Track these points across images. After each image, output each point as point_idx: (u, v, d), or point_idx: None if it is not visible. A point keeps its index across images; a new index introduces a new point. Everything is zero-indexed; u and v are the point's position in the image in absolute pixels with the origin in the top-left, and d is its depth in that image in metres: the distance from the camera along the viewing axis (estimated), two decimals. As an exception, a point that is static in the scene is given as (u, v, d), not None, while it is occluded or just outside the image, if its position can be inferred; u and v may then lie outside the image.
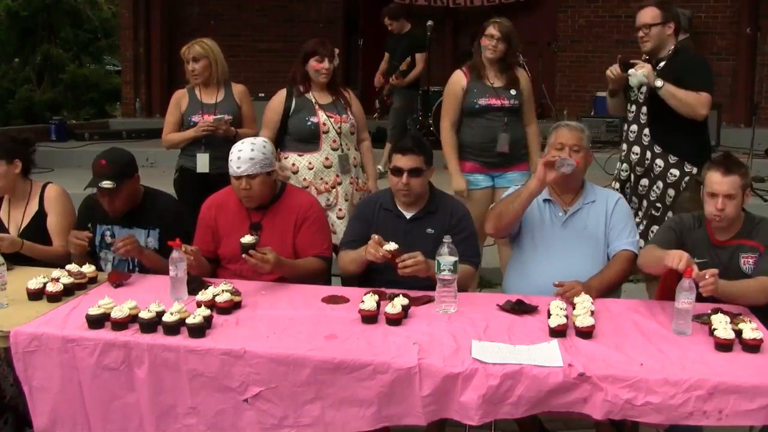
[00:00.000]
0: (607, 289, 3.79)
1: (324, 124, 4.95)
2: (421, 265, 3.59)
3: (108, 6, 21.10)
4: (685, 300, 3.20)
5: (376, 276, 3.86)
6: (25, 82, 18.07)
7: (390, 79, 9.18)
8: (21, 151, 4.56)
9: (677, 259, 3.29)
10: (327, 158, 4.96)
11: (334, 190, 4.97)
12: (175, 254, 3.59)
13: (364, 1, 12.80)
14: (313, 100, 5.06)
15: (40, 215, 4.46)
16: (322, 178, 4.95)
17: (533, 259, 3.96)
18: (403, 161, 3.92)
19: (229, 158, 4.00)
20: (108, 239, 4.28)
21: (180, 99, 5.51)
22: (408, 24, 9.23)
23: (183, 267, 3.62)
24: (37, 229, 4.42)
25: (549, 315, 3.22)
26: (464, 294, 3.75)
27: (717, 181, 3.56)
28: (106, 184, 4.08)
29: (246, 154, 3.96)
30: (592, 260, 3.88)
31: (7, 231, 4.41)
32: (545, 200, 4.01)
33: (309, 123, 4.96)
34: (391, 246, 3.61)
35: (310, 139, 4.98)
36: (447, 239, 3.45)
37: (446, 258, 3.41)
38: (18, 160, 4.49)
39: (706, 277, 3.24)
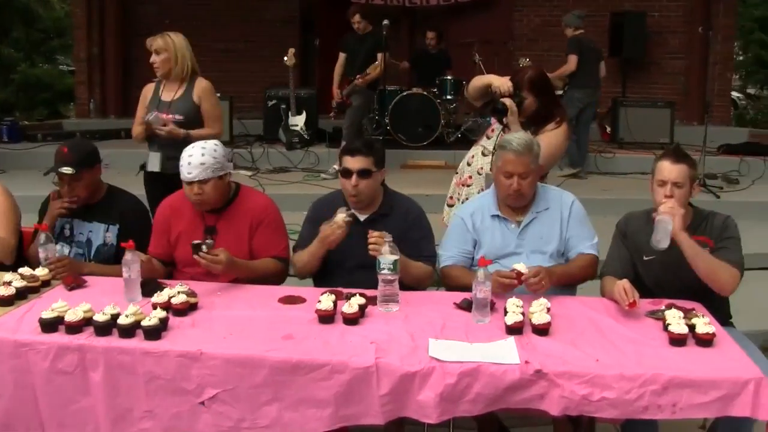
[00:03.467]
0: (568, 280, 3.82)
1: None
2: (378, 245, 3.57)
3: (60, 5, 20.84)
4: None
5: (333, 276, 3.85)
6: (-26, 83, 17.83)
7: (356, 78, 9.13)
8: None
9: (622, 297, 3.37)
10: None
11: None
12: (128, 256, 3.55)
13: (321, 0, 12.77)
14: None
15: None
16: None
17: (502, 263, 3.90)
18: (351, 162, 3.89)
19: (180, 163, 3.94)
20: (66, 232, 4.26)
21: (146, 92, 5.51)
22: (370, 25, 9.23)
23: (136, 268, 3.58)
24: None
25: (506, 313, 3.24)
26: (421, 292, 3.76)
27: (667, 168, 3.61)
28: (66, 169, 4.06)
29: (196, 159, 3.90)
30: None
31: None
32: (493, 216, 3.99)
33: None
34: (341, 217, 3.67)
35: None
36: (387, 238, 3.45)
37: (386, 257, 3.40)
38: None
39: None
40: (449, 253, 4.03)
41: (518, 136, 3.91)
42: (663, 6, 12.36)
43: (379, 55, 8.98)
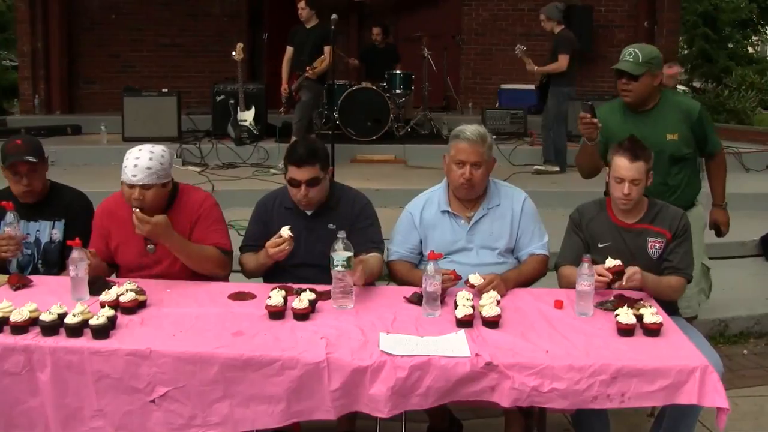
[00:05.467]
0: (522, 284, 3.84)
1: None
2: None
3: (2, -1, 20.52)
4: (584, 282, 3.31)
5: (280, 274, 3.83)
6: None
7: (305, 71, 9.06)
8: None
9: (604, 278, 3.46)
10: None
11: None
12: (75, 254, 3.50)
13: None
14: None
15: None
16: None
17: (453, 259, 3.92)
18: (298, 173, 3.81)
19: (124, 164, 3.82)
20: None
21: None
22: (315, 18, 9.18)
23: (84, 266, 3.53)
24: None
25: (456, 306, 3.25)
26: (372, 287, 3.75)
27: (624, 167, 3.65)
28: (30, 158, 4.00)
29: (143, 162, 3.78)
30: (501, 266, 3.89)
31: None
32: (443, 211, 4.00)
33: None
34: (285, 232, 3.62)
35: None
36: (341, 234, 3.43)
37: (340, 254, 3.39)
38: None
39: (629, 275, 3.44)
40: (395, 248, 4.05)
41: (472, 127, 3.94)
42: (610, 0, 12.50)
43: (326, 48, 8.92)
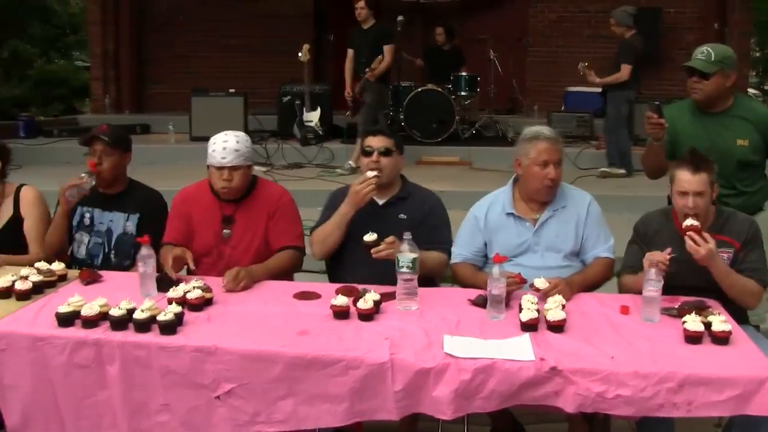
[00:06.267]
0: (587, 288, 3.79)
1: None
2: (395, 245, 3.58)
3: (76, 1, 20.92)
4: (651, 288, 3.26)
5: (347, 261, 3.89)
6: (-9, 79, 17.91)
7: (364, 73, 9.06)
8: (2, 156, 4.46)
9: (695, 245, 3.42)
10: None
11: None
12: (144, 251, 3.58)
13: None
14: None
15: (16, 219, 4.36)
16: None
17: (517, 262, 3.89)
18: (373, 141, 3.97)
19: (211, 149, 3.99)
20: (87, 221, 4.30)
21: None
22: (373, 18, 9.18)
23: (152, 263, 3.61)
24: (12, 233, 4.31)
25: (520, 309, 3.23)
26: (436, 289, 3.76)
27: (686, 179, 3.57)
28: (103, 136, 4.16)
29: (231, 145, 3.97)
30: (566, 269, 3.86)
31: None
32: (508, 214, 3.97)
33: None
34: (372, 237, 3.64)
35: None
36: (407, 236, 3.44)
37: (405, 255, 3.40)
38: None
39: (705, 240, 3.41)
40: (459, 250, 4.04)
41: (545, 127, 3.97)
42: (678, 2, 12.29)
43: (386, 48, 8.92)
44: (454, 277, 4.06)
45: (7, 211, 4.37)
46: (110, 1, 13.19)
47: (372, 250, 3.62)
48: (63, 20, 20.28)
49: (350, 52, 9.44)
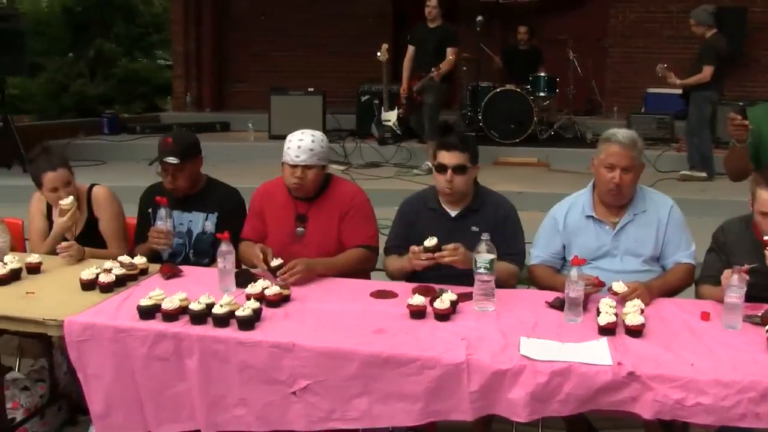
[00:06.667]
0: (667, 293, 3.72)
1: None
2: (458, 255, 3.57)
3: (159, 1, 21.35)
4: (733, 295, 3.18)
5: (424, 271, 3.82)
6: (78, 77, 18.36)
7: (429, 72, 8.97)
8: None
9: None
10: None
11: None
12: (223, 247, 3.63)
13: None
14: None
15: (91, 221, 4.45)
16: None
17: (596, 265, 3.85)
18: (447, 158, 3.89)
19: (286, 147, 4.03)
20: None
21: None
22: (441, 19, 9.11)
23: (231, 259, 3.66)
24: (90, 235, 4.40)
25: (598, 313, 3.19)
26: (513, 290, 3.73)
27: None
28: (171, 159, 4.17)
29: (306, 144, 4.00)
30: (646, 274, 3.79)
31: (63, 237, 4.38)
32: (588, 217, 3.93)
33: None
34: (432, 242, 3.61)
35: None
36: (485, 236, 3.41)
37: (483, 256, 3.38)
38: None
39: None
40: (537, 252, 4.01)
41: (624, 130, 3.88)
42: (765, 1, 11.98)
43: (449, 50, 8.86)
44: (531, 279, 4.03)
45: (83, 215, 4.45)
46: (192, 1, 13.45)
47: (435, 255, 3.60)
48: (146, 20, 20.72)
49: (411, 49, 9.38)
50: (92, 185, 4.54)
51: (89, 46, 18.85)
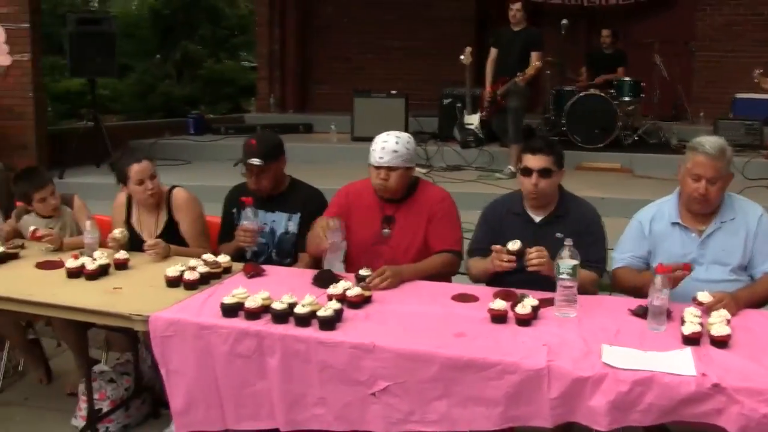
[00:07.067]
0: (755, 304, 3.62)
1: None
2: (544, 260, 3.54)
3: (245, 3, 21.66)
4: None
5: (506, 275, 3.79)
6: (165, 78, 18.74)
7: (514, 76, 8.89)
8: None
9: None
10: None
11: None
12: (332, 223, 3.79)
13: (498, -2, 12.69)
14: None
15: (171, 222, 4.54)
16: None
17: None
18: (533, 161, 3.87)
19: (372, 148, 4.06)
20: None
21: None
22: (525, 20, 9.01)
23: (339, 235, 3.84)
24: (171, 237, 4.48)
25: (683, 322, 3.13)
26: (595, 297, 3.69)
27: None
28: (255, 161, 4.24)
29: (391, 145, 4.02)
30: (733, 283, 3.69)
31: (141, 239, 4.50)
32: (674, 224, 3.85)
33: None
34: (515, 245, 3.59)
35: None
36: (568, 242, 3.39)
37: (566, 261, 3.35)
38: None
39: None
40: (622, 255, 3.95)
41: (712, 139, 3.78)
42: None
43: (534, 54, 8.77)
44: (615, 282, 3.97)
45: (163, 215, 4.57)
46: (277, 4, 13.61)
47: (528, 264, 3.57)
48: (232, 22, 21.05)
49: (494, 51, 9.26)
50: (173, 187, 4.63)
51: (176, 48, 19.22)
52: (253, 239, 4.21)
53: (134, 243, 4.42)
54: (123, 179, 4.46)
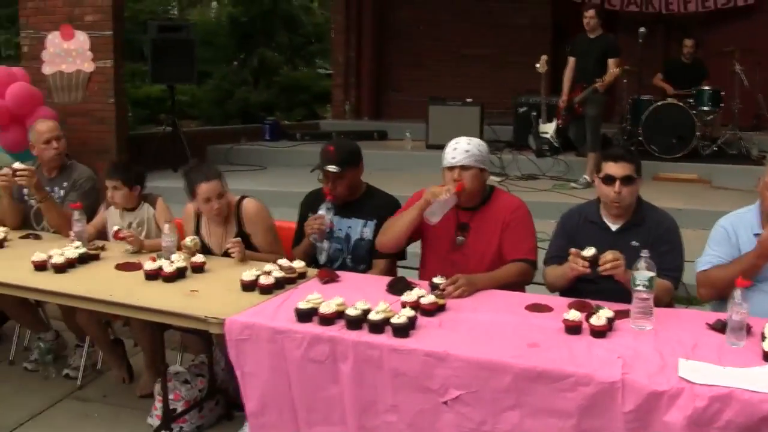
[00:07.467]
0: None
1: None
2: (619, 266, 3.49)
3: (321, 11, 21.85)
4: None
5: (581, 285, 3.78)
6: (242, 84, 18.97)
7: (592, 83, 8.79)
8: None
9: None
10: None
11: None
12: (435, 188, 3.89)
13: (574, 5, 12.55)
14: None
15: (241, 234, 4.55)
16: None
17: (761, 288, 3.69)
18: (614, 169, 3.82)
19: (444, 153, 4.08)
20: (326, 229, 4.46)
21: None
22: (601, 27, 8.93)
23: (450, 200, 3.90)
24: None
25: (763, 338, 3.06)
26: (672, 310, 3.63)
27: None
28: (332, 168, 4.28)
29: (462, 146, 4.04)
30: None
31: (209, 251, 4.57)
32: (756, 234, 3.72)
33: None
34: (590, 252, 3.55)
35: None
36: (645, 253, 3.33)
37: (642, 273, 3.30)
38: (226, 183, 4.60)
39: None
40: (708, 258, 3.85)
41: None
42: None
43: (611, 61, 8.67)
44: (699, 289, 3.88)
45: (232, 227, 4.61)
46: (353, 12, 13.71)
47: (600, 268, 3.54)
48: (308, 30, 21.22)
49: (571, 60, 9.21)
50: (242, 198, 4.67)
51: (253, 55, 19.45)
52: (320, 229, 4.26)
53: (204, 252, 4.48)
54: (191, 193, 4.52)
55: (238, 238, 4.39)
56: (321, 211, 4.27)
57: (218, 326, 3.48)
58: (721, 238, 3.85)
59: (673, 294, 3.86)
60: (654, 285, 3.31)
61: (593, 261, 3.54)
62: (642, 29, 9.69)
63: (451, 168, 4.03)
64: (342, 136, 9.93)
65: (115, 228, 4.66)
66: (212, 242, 4.63)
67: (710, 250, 3.87)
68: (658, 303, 3.53)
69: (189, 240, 4.43)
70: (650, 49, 11.03)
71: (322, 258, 4.45)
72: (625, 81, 10.27)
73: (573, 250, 3.62)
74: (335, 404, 3.32)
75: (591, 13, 8.81)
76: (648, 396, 2.79)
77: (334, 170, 4.29)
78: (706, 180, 9.54)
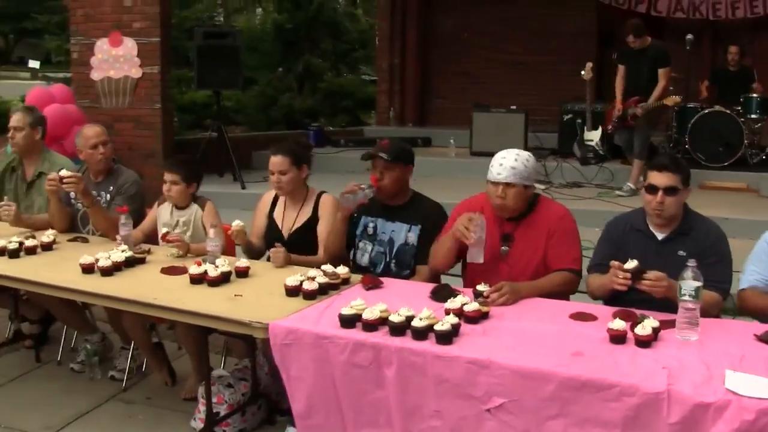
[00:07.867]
0: None
1: None
2: (660, 284, 3.45)
3: (365, 18, 21.91)
4: None
5: (626, 294, 3.71)
6: (287, 90, 19.03)
7: (648, 97, 8.72)
8: (307, 157, 4.86)
9: None
10: None
11: None
12: (475, 217, 3.86)
13: (620, 12, 12.45)
14: None
15: (313, 220, 4.72)
16: None
17: None
18: (658, 179, 3.79)
19: (491, 164, 4.07)
20: (370, 231, 4.53)
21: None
22: (648, 38, 8.84)
23: (482, 230, 3.87)
24: (305, 233, 4.68)
25: (813, 350, 3.02)
26: (718, 320, 3.59)
27: None
28: (383, 154, 4.36)
29: (509, 162, 4.00)
30: None
31: (279, 230, 4.73)
32: None
33: None
34: (632, 264, 3.52)
35: None
36: (692, 263, 3.30)
37: (689, 283, 3.26)
38: (305, 166, 4.79)
39: None
40: (750, 276, 3.82)
41: None
42: None
43: (661, 71, 8.58)
44: (742, 303, 3.84)
45: (306, 212, 4.76)
46: (398, 18, 13.73)
47: (636, 283, 3.49)
48: (352, 36, 21.27)
49: (621, 68, 9.13)
50: (322, 192, 4.84)
51: (298, 61, 19.52)
52: (353, 188, 4.34)
53: (271, 236, 4.69)
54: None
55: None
56: (362, 191, 4.34)
57: (262, 331, 3.51)
58: (762, 253, 3.82)
59: (722, 306, 3.80)
60: (700, 295, 3.27)
61: (635, 273, 3.50)
62: (689, 36, 9.60)
63: (496, 183, 4.02)
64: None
65: (164, 230, 4.74)
66: (283, 224, 4.78)
67: (751, 267, 3.84)
68: (706, 315, 3.49)
69: (235, 223, 4.55)
70: (697, 56, 10.91)
71: (364, 259, 4.47)
72: (671, 89, 10.16)
73: (614, 263, 3.57)
74: (381, 408, 3.34)
75: (630, 38, 8.70)
76: (694, 408, 2.76)
77: (385, 157, 4.34)
78: (754, 189, 9.41)
